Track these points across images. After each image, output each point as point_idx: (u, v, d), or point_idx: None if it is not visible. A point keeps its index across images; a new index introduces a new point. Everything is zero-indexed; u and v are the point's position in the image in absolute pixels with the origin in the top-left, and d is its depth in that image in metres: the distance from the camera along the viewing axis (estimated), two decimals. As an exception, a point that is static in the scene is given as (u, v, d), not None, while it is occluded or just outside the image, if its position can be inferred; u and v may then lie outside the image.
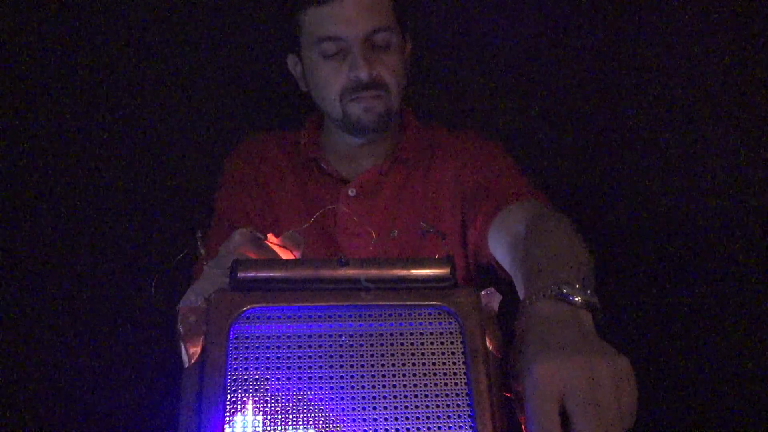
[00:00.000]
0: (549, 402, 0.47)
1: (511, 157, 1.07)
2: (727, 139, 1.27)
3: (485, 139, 1.11)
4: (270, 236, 0.67)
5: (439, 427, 0.49)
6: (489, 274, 0.97)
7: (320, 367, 0.51)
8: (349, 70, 0.97)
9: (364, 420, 0.49)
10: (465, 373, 0.51)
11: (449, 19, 1.35)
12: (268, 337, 0.51)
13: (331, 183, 1.07)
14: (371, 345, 0.52)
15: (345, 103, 0.99)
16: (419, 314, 0.54)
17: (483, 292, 0.56)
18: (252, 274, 0.54)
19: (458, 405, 0.50)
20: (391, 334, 0.53)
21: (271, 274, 0.54)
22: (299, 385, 0.50)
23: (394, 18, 0.99)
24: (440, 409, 0.50)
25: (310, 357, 0.51)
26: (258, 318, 0.52)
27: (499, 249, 0.86)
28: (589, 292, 0.56)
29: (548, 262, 0.63)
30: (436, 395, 0.50)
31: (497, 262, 0.88)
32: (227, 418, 0.48)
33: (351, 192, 1.05)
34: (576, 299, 0.55)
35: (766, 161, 1.24)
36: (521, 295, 0.65)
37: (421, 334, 0.53)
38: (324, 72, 0.99)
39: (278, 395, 0.49)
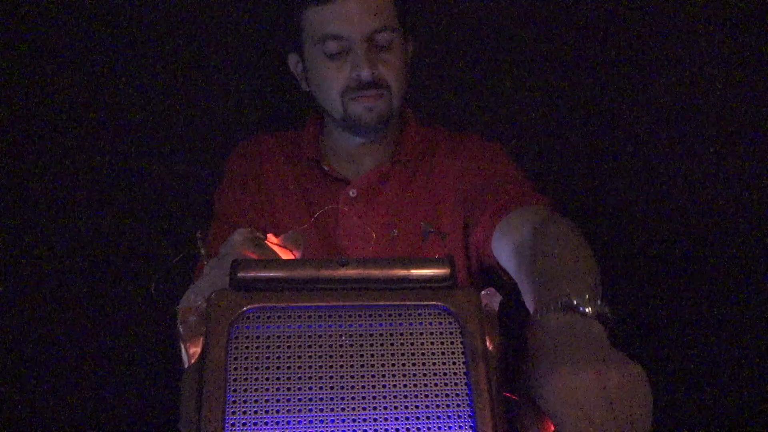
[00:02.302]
0: (575, 412, 0.47)
1: (513, 160, 1.07)
2: (730, 140, 1.26)
3: (487, 141, 1.11)
4: (270, 236, 0.67)
5: (439, 427, 0.49)
6: (490, 275, 0.96)
7: (320, 366, 0.51)
8: (351, 69, 0.97)
9: (364, 420, 0.49)
10: (465, 373, 0.51)
11: (451, 20, 1.35)
12: (268, 337, 0.51)
13: (332, 183, 1.07)
14: (371, 345, 0.52)
15: (346, 102, 0.99)
16: (419, 314, 0.53)
17: (483, 292, 0.56)
18: (252, 274, 0.54)
19: (458, 405, 0.50)
20: (392, 334, 0.52)
21: (271, 274, 0.54)
22: (299, 385, 0.50)
23: (396, 18, 0.99)
24: (440, 409, 0.50)
25: (310, 357, 0.51)
26: (258, 318, 0.52)
27: (504, 253, 0.86)
28: (598, 302, 0.56)
29: (556, 273, 0.62)
30: (436, 395, 0.50)
31: (500, 266, 0.88)
32: (227, 418, 0.48)
33: (352, 193, 1.05)
34: (586, 310, 0.55)
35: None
36: (529, 305, 0.65)
37: (421, 334, 0.53)
38: (326, 71, 0.99)
39: (278, 395, 0.49)
